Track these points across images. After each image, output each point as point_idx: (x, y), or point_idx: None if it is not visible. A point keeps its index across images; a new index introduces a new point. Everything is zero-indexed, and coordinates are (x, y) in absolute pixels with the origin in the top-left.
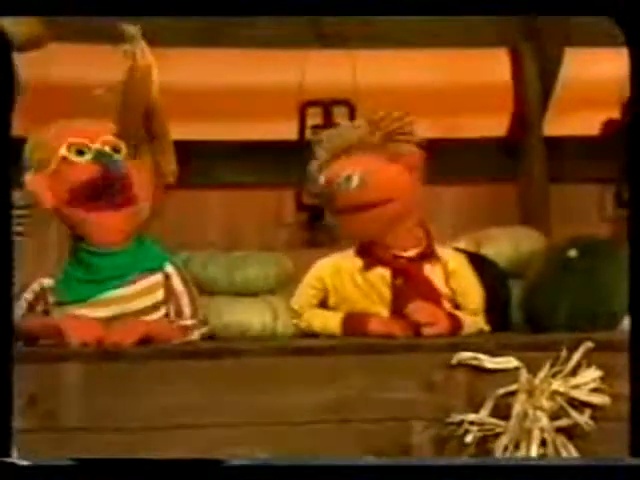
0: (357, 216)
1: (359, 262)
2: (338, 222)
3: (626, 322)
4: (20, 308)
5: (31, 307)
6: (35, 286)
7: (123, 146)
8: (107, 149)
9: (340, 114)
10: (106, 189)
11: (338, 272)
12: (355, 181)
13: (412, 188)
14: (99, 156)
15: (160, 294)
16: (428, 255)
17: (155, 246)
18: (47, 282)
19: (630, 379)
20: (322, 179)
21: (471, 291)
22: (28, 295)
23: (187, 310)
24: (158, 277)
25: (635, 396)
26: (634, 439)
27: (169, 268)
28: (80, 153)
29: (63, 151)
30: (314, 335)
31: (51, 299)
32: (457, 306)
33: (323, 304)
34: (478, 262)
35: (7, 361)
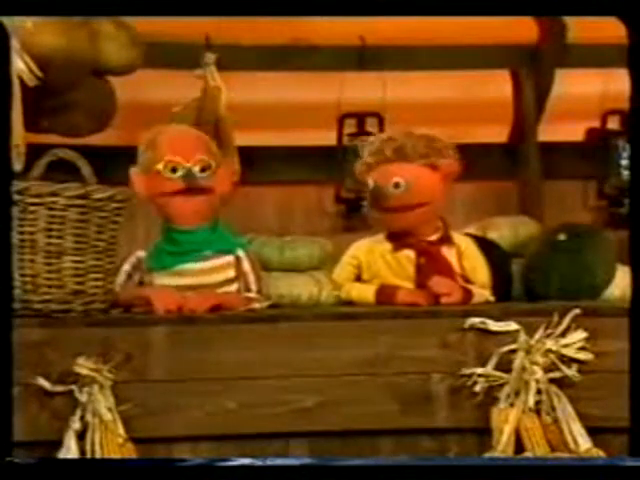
0: (399, 215)
1: (389, 245)
2: (383, 218)
3: (607, 292)
4: (120, 278)
5: (129, 277)
6: (132, 258)
7: (213, 164)
8: (196, 169)
9: (371, 124)
10: (189, 195)
11: (371, 252)
12: (402, 187)
13: (444, 194)
14: (187, 175)
15: (231, 272)
16: (445, 239)
17: (229, 232)
18: (141, 254)
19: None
20: (371, 181)
21: (479, 268)
22: (127, 266)
23: (253, 287)
24: (230, 259)
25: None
26: (634, 439)
27: (240, 252)
28: (173, 170)
29: (160, 166)
30: (352, 303)
31: (144, 266)
32: (468, 281)
33: (358, 278)
34: (486, 245)
35: (7, 363)
